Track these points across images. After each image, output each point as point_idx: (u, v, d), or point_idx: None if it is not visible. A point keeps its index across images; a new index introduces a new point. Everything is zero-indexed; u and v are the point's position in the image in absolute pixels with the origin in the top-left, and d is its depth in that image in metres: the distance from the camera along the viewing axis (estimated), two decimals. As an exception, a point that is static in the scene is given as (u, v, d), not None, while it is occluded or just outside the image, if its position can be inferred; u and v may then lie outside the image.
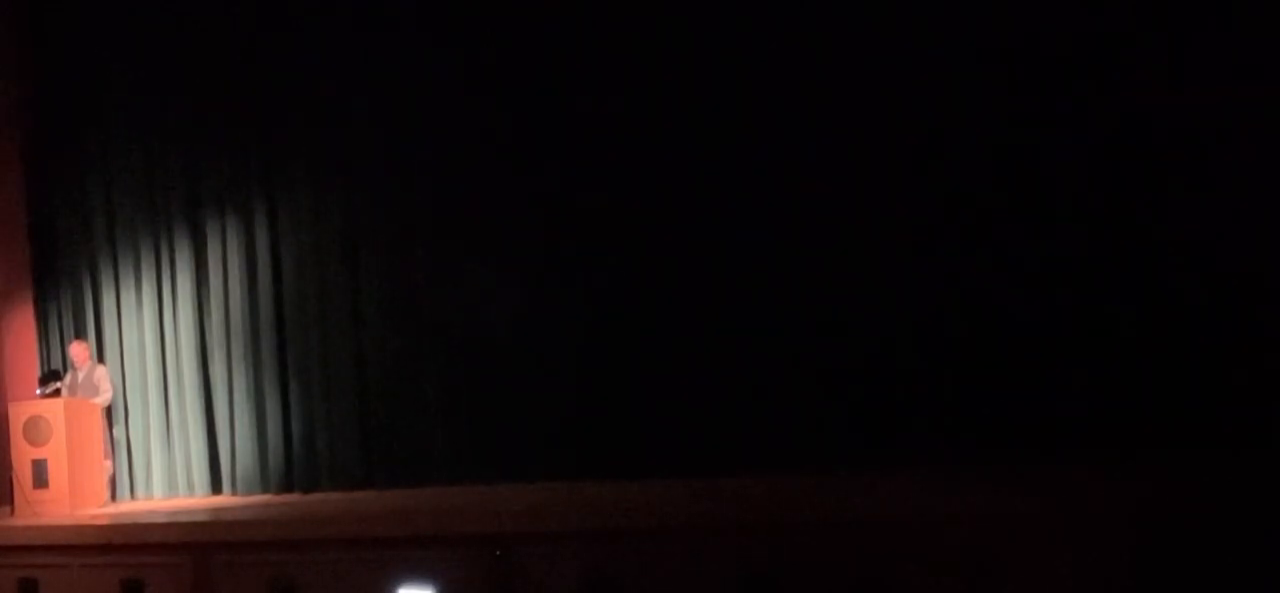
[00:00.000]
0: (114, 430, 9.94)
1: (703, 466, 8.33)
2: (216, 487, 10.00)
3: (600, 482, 8.46)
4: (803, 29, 8.58)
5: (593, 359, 8.95)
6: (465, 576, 6.89)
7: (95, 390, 9.50)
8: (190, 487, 10.01)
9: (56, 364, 10.22)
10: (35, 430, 8.89)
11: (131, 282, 10.28)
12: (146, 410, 10.18)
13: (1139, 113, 7.86)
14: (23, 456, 8.92)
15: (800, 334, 8.48)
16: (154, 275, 10.21)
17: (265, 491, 9.76)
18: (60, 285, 10.43)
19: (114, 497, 9.87)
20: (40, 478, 8.84)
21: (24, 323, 10.35)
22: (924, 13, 8.31)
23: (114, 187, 10.29)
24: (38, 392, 9.58)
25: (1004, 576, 6.18)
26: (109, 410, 9.72)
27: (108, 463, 9.66)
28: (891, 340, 8.28)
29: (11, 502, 9.01)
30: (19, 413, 9.04)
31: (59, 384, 9.54)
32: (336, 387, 9.64)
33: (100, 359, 10.07)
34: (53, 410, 8.96)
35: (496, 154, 9.24)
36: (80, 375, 9.59)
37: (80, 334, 10.21)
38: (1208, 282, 7.65)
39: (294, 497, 9.52)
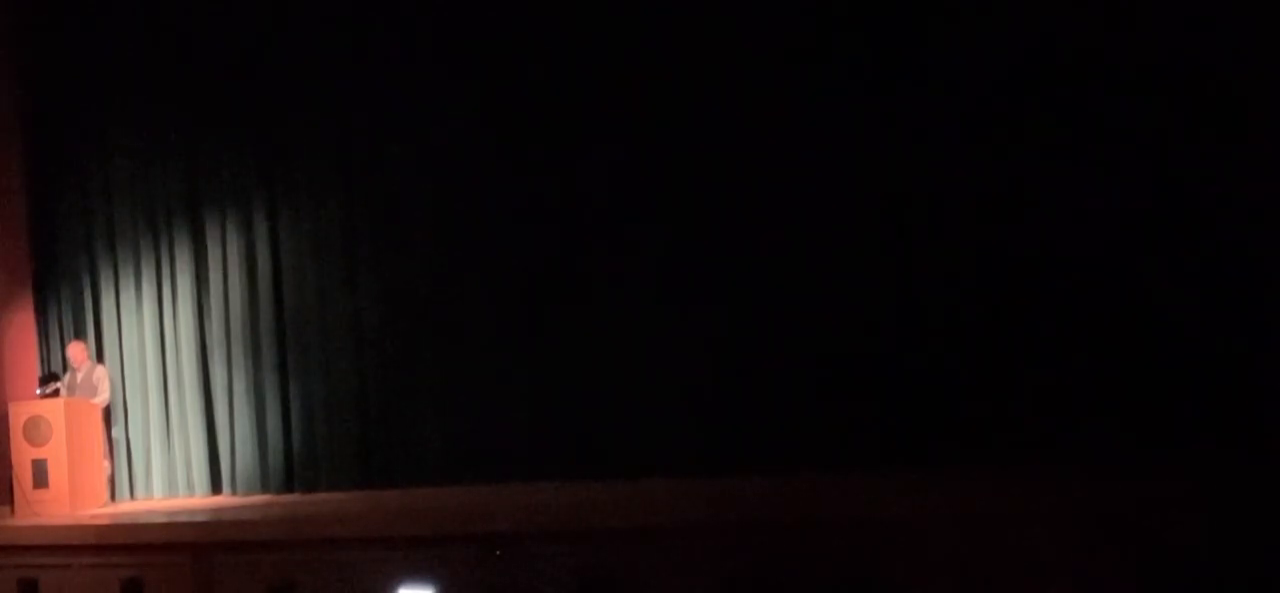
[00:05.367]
0: (113, 431, 9.94)
1: (701, 465, 8.34)
2: (216, 487, 10.00)
3: (600, 482, 8.46)
4: (802, 25, 8.58)
5: (592, 359, 8.94)
6: (465, 576, 6.89)
7: (94, 391, 9.49)
8: (190, 487, 10.01)
9: (56, 364, 10.22)
10: (35, 430, 8.89)
11: (131, 282, 10.28)
12: (146, 410, 10.18)
13: (1139, 112, 7.85)
14: (23, 455, 8.91)
15: (800, 334, 8.48)
16: (154, 275, 10.21)
17: (265, 491, 9.76)
18: (60, 285, 10.43)
19: (114, 497, 9.87)
20: (40, 478, 8.84)
21: (24, 323, 10.35)
22: (923, 11, 8.32)
23: (114, 187, 10.29)
24: (37, 392, 9.59)
25: (1003, 575, 6.18)
26: (108, 411, 9.72)
27: (106, 463, 9.66)
28: (892, 340, 8.28)
29: (11, 502, 9.00)
30: (19, 413, 9.03)
31: (58, 385, 9.54)
32: (336, 387, 9.64)
33: (100, 359, 10.07)
34: (53, 410, 8.96)
35: (496, 154, 9.25)
36: (78, 376, 9.59)
37: (80, 334, 10.21)
38: (1208, 281, 7.64)
39: (294, 497, 9.52)
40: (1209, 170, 7.67)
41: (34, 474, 8.84)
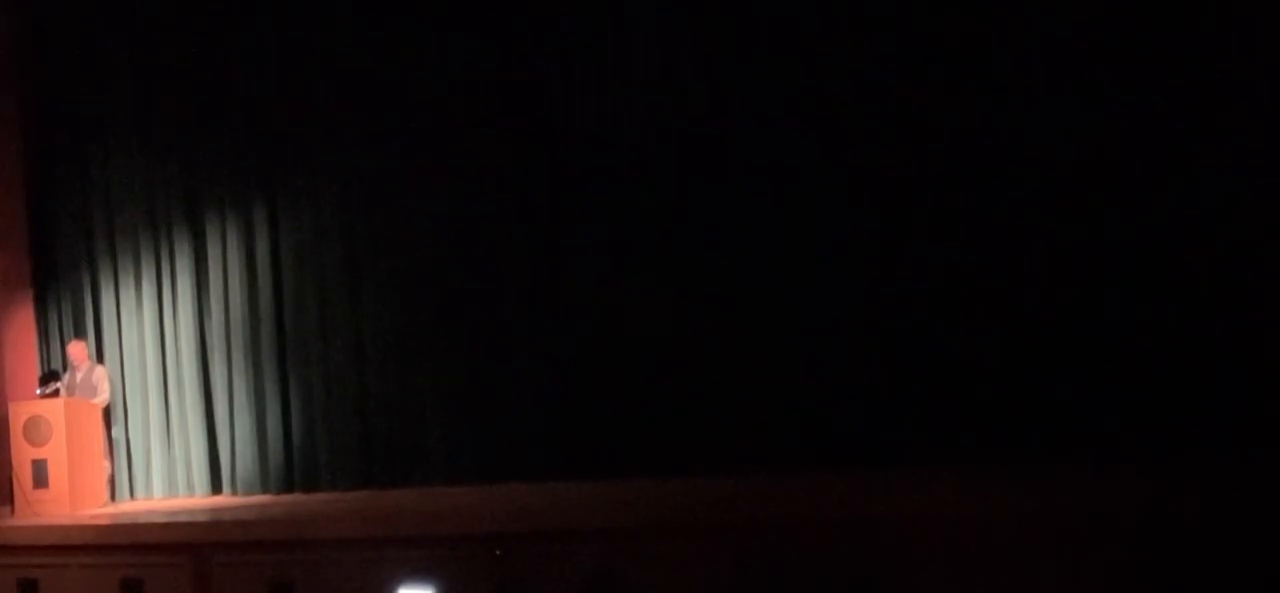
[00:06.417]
0: (113, 431, 9.94)
1: (702, 465, 8.33)
2: (216, 487, 10.01)
3: (600, 482, 8.46)
4: (800, 27, 8.58)
5: (592, 358, 8.94)
6: (465, 576, 6.89)
7: (94, 391, 9.50)
8: (190, 487, 10.02)
9: (56, 364, 10.22)
10: (35, 430, 8.90)
11: (131, 282, 10.28)
12: (146, 410, 10.18)
13: (1140, 111, 7.85)
14: (23, 455, 8.92)
15: (800, 334, 8.48)
16: (154, 275, 10.22)
17: (265, 491, 9.77)
18: (60, 285, 10.43)
19: (114, 497, 9.87)
20: (40, 478, 8.85)
21: (24, 323, 10.35)
22: (923, 12, 8.32)
23: (114, 187, 10.30)
24: (37, 392, 9.59)
25: (1003, 575, 6.18)
26: (108, 411, 9.72)
27: (106, 464, 9.66)
28: (892, 340, 8.28)
29: (11, 502, 9.01)
30: (19, 413, 9.04)
31: (58, 385, 9.54)
32: (336, 387, 9.64)
33: (100, 360, 10.07)
34: (53, 410, 8.97)
35: (495, 153, 9.25)
36: (79, 376, 9.59)
37: (80, 334, 10.21)
38: (1209, 281, 7.64)
39: (294, 497, 9.52)
40: (1209, 170, 7.67)
41: (34, 474, 8.85)
